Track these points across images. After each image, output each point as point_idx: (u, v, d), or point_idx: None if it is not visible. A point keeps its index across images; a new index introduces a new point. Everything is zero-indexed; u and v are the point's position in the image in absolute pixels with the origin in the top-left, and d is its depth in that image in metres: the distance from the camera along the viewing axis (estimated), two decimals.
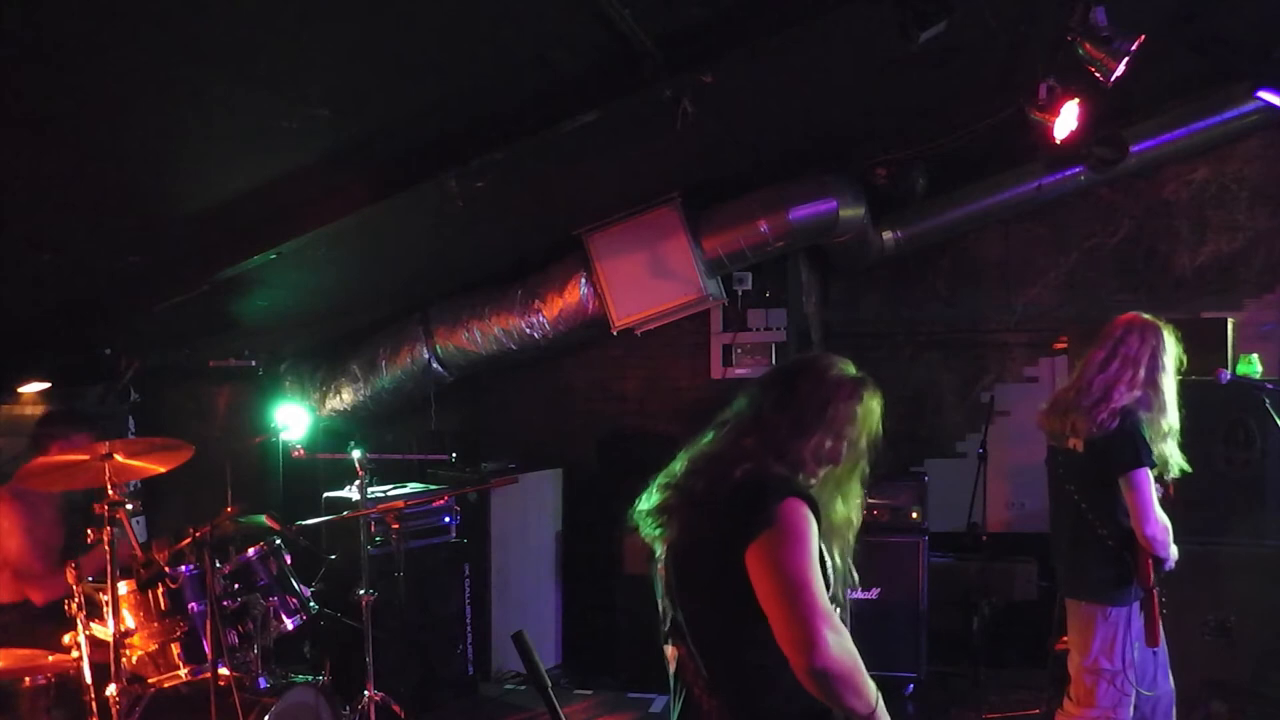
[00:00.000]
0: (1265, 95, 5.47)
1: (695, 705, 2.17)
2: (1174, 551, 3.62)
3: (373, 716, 4.65)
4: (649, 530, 2.27)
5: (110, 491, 3.61)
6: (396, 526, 4.87)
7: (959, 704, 5.51)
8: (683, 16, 3.74)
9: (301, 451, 5.46)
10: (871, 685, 2.00)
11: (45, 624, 3.97)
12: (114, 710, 3.50)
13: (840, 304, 7.14)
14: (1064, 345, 6.27)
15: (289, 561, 4.30)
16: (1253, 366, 5.00)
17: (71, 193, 3.69)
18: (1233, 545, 4.75)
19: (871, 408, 2.26)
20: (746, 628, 2.04)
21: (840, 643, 1.95)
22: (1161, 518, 3.54)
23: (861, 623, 5.32)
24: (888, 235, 6.43)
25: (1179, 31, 5.04)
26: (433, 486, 5.93)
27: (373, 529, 5.09)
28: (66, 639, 3.69)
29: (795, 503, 2.06)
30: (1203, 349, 4.28)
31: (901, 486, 5.72)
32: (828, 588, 2.12)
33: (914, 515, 5.71)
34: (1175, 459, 3.67)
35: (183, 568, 3.85)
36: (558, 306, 5.94)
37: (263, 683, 3.93)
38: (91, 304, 4.70)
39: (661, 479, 2.28)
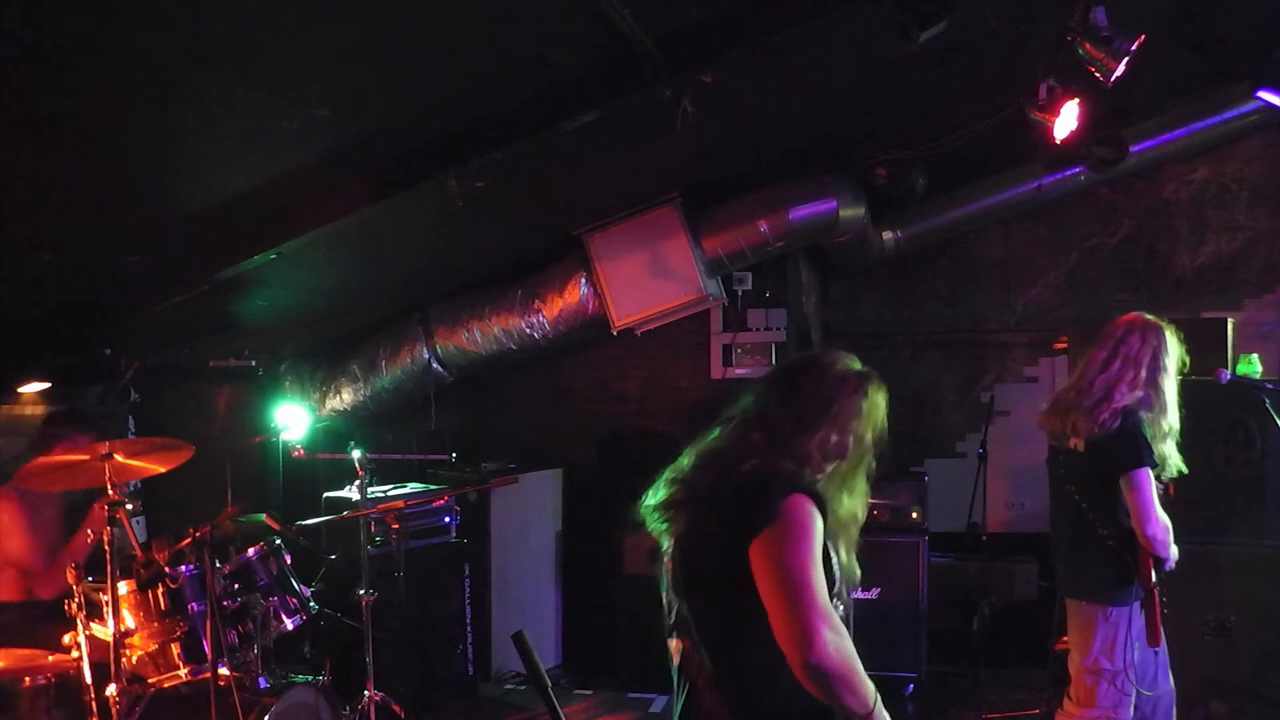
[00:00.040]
0: (1265, 95, 5.47)
1: (698, 699, 2.18)
2: (1174, 552, 3.62)
3: (373, 716, 4.65)
4: (656, 525, 2.29)
5: (110, 491, 3.61)
6: (396, 526, 4.87)
7: (959, 704, 5.52)
8: (683, 16, 3.74)
9: (301, 451, 5.46)
10: (869, 686, 2.00)
11: (45, 624, 3.97)
12: (114, 710, 3.50)
13: (840, 304, 7.14)
14: (1064, 345, 6.28)
15: (289, 561, 4.30)
16: (1253, 366, 5.00)
17: (71, 193, 3.69)
18: (1233, 545, 4.75)
19: (876, 402, 2.27)
20: (750, 624, 2.05)
21: (837, 641, 1.96)
22: (1162, 518, 3.54)
23: (861, 623, 5.37)
24: (888, 235, 6.43)
25: (1179, 31, 5.04)
26: (433, 486, 5.93)
27: (373, 529, 5.09)
28: (66, 639, 3.68)
29: (800, 499, 2.07)
30: (1203, 349, 4.28)
31: (901, 486, 5.72)
32: (832, 584, 2.13)
33: (914, 515, 5.72)
34: (1174, 460, 3.68)
35: (183, 568, 3.85)
36: (558, 306, 5.94)
37: (263, 683, 3.93)
38: (91, 304, 4.70)
39: (668, 474, 2.30)
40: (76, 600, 3.59)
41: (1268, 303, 6.27)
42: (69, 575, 3.60)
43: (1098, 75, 3.95)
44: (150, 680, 3.82)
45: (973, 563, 5.91)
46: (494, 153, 4.13)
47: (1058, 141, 4.57)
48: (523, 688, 5.77)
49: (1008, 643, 5.83)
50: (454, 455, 5.85)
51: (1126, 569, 3.62)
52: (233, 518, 4.07)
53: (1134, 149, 5.63)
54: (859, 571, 2.27)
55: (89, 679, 3.57)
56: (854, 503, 2.25)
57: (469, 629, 5.81)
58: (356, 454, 5.02)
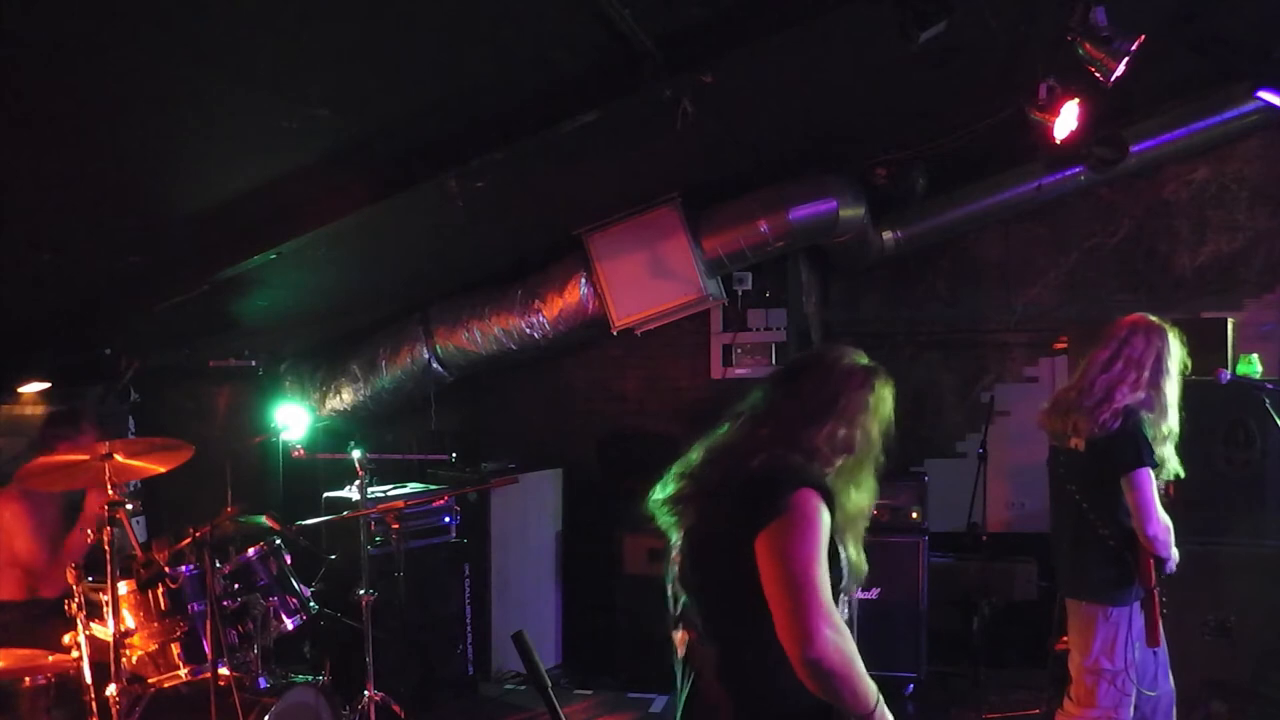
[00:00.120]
0: (1265, 95, 5.47)
1: (703, 692, 2.19)
2: (1175, 552, 3.62)
3: (373, 716, 4.65)
4: (664, 519, 2.30)
5: (110, 491, 3.61)
6: (396, 526, 4.87)
7: (959, 704, 5.52)
8: (683, 16, 3.74)
9: (301, 451, 5.46)
10: (871, 686, 2.00)
11: (45, 624, 3.97)
12: (114, 710, 3.50)
13: (840, 304, 7.14)
14: (1064, 345, 6.27)
15: (289, 561, 4.30)
16: (1253, 366, 5.00)
17: (71, 193, 3.69)
18: (1233, 545, 4.75)
19: (884, 396, 2.29)
20: (756, 619, 2.05)
21: (838, 639, 1.96)
22: (1163, 518, 3.54)
23: (862, 623, 5.38)
24: (888, 235, 6.43)
25: (1179, 31, 5.04)
26: (433, 486, 5.93)
27: (373, 529, 5.10)
28: (66, 639, 3.68)
29: (808, 493, 2.08)
30: (1203, 349, 4.28)
31: (901, 486, 5.72)
32: (839, 581, 2.13)
33: (914, 515, 5.72)
34: (1172, 464, 3.67)
35: (183, 568, 3.85)
36: (558, 306, 5.94)
37: (263, 683, 3.93)
38: (91, 304, 4.70)
39: (678, 468, 2.31)
40: (76, 600, 3.59)
41: (1268, 303, 6.27)
42: (69, 575, 3.60)
43: (1098, 75, 3.95)
44: (150, 680, 3.82)
45: (973, 563, 5.91)
46: (494, 153, 4.13)
47: (1058, 141, 4.57)
48: (523, 688, 5.77)
49: (1008, 643, 5.83)
50: (454, 455, 5.85)
51: (1127, 569, 3.62)
52: (233, 518, 4.08)
53: (1134, 149, 5.63)
54: (866, 567, 2.28)
55: (89, 679, 3.57)
56: (862, 497, 2.26)
57: (469, 629, 5.81)
58: (356, 454, 5.02)
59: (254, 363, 6.10)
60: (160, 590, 3.79)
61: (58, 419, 4.37)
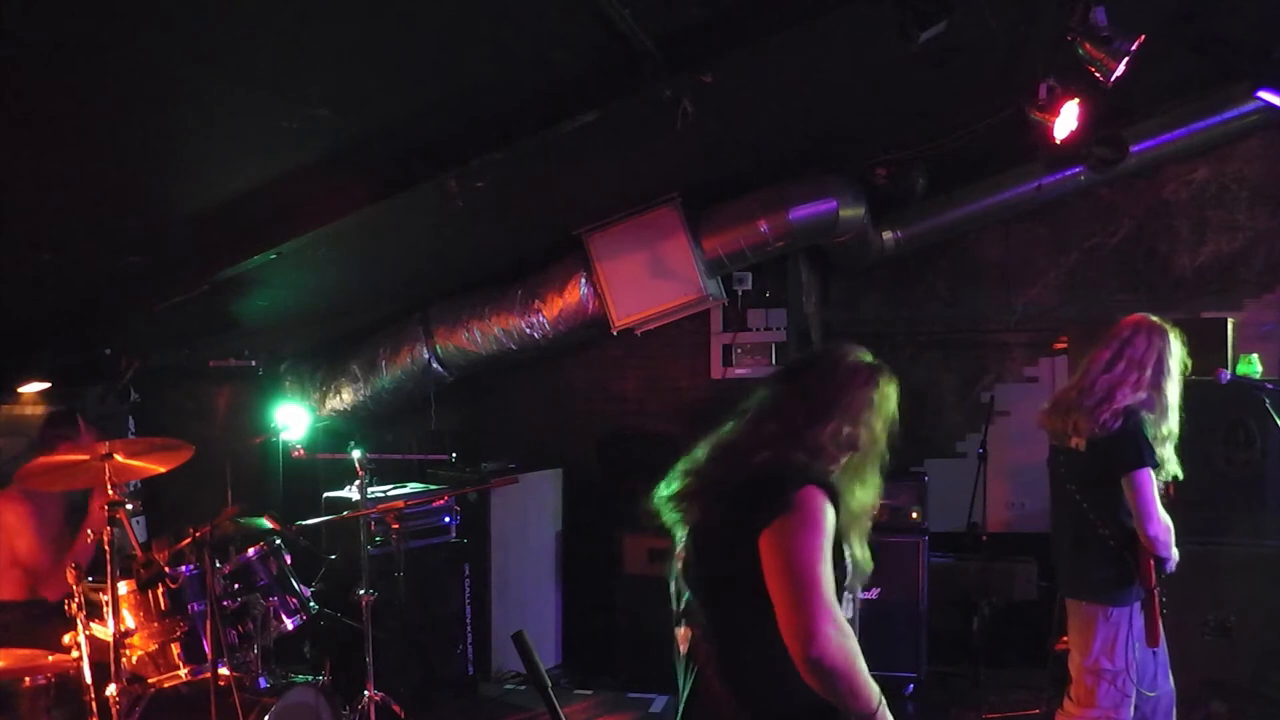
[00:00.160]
0: (1265, 95, 5.47)
1: (705, 689, 2.19)
2: (1175, 552, 3.62)
3: (373, 716, 4.65)
4: (669, 515, 2.30)
5: (110, 491, 3.61)
6: (396, 526, 4.87)
7: (959, 704, 5.52)
8: (683, 16, 3.74)
9: (301, 451, 5.46)
10: (873, 687, 1.99)
11: (45, 624, 3.97)
12: (114, 710, 3.50)
13: (840, 304, 7.14)
14: (1064, 345, 6.28)
15: (289, 561, 4.30)
16: (1253, 366, 5.00)
17: (71, 193, 3.69)
18: (1233, 545, 4.75)
19: (888, 394, 2.29)
20: (760, 617, 2.05)
21: (840, 638, 1.96)
22: (1164, 518, 3.54)
23: (862, 623, 5.37)
24: (888, 235, 6.43)
25: (1179, 31, 5.04)
26: (433, 486, 5.93)
27: (373, 529, 5.10)
28: (66, 639, 3.68)
29: (813, 491, 2.08)
30: (1203, 349, 4.28)
31: (901, 486, 5.72)
32: (844, 578, 2.14)
33: (914, 515, 5.71)
34: (1171, 465, 3.67)
35: (183, 568, 3.85)
36: (558, 306, 5.94)
37: (263, 683, 3.93)
38: (91, 304, 4.70)
39: (683, 465, 2.31)
40: (77, 600, 3.59)
41: (1268, 303, 6.27)
42: (69, 575, 3.60)
43: (1098, 75, 3.95)
44: (150, 680, 3.82)
45: (973, 563, 5.91)
46: (494, 153, 4.13)
47: (1058, 141, 4.57)
48: (523, 688, 5.77)
49: (1008, 643, 5.83)
50: (454, 455, 5.85)
51: (1127, 569, 3.62)
52: (233, 518, 4.07)
53: (1134, 149, 5.63)
54: (872, 565, 2.28)
55: (89, 679, 3.57)
56: (867, 495, 2.26)
57: (469, 629, 5.81)
58: (356, 454, 5.02)
59: (254, 363, 6.10)
60: (160, 590, 3.79)
61: (57, 419, 4.38)
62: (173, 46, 2.96)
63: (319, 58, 3.30)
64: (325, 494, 5.61)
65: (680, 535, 2.30)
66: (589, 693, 5.76)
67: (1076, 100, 4.41)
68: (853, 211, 5.71)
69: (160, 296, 4.62)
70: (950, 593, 5.82)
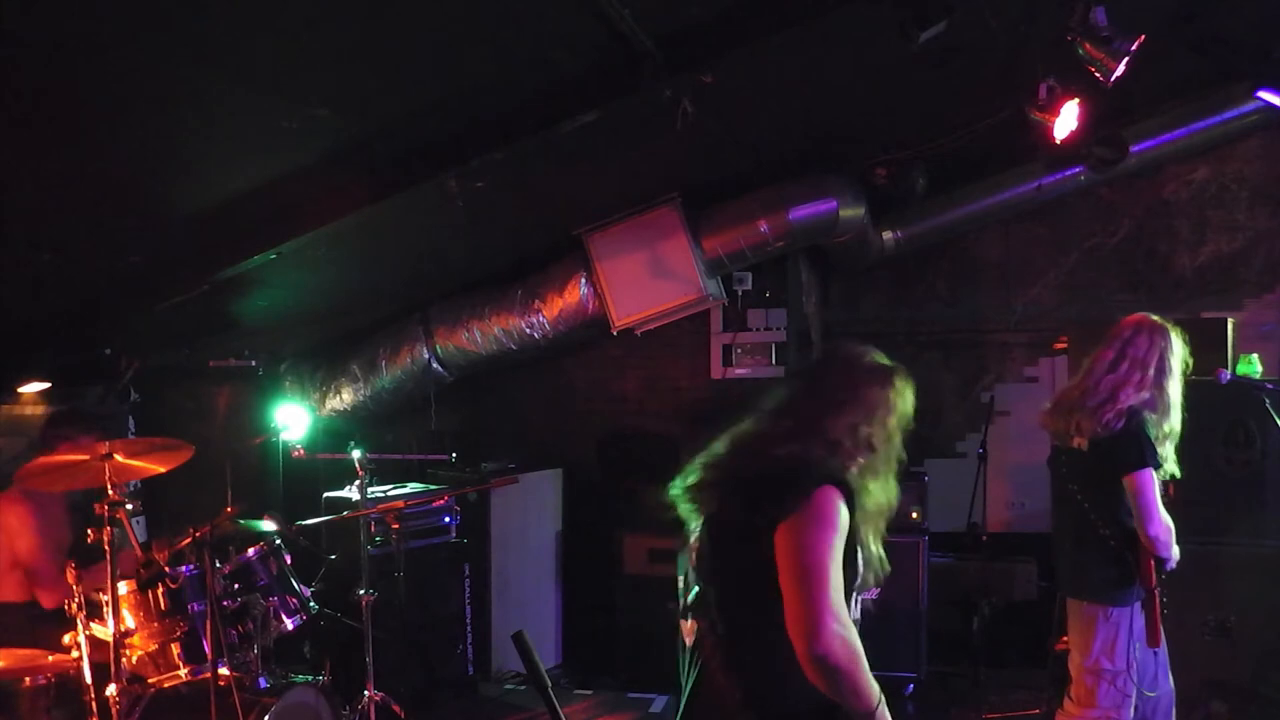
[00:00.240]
0: (1265, 95, 5.47)
1: (709, 681, 2.20)
2: (1176, 552, 3.62)
3: (373, 716, 4.65)
4: (684, 507, 2.32)
5: (110, 491, 3.61)
6: (396, 526, 4.87)
7: (959, 704, 5.52)
8: (683, 16, 3.74)
9: (301, 451, 5.46)
10: (874, 686, 2.01)
11: (46, 624, 3.97)
12: (114, 710, 3.50)
13: (840, 304, 7.14)
14: (1064, 345, 6.28)
15: (289, 561, 4.30)
16: (1253, 366, 5.00)
17: (71, 193, 3.69)
18: (1233, 545, 4.75)
19: (904, 394, 2.32)
20: (769, 610, 2.06)
21: (844, 636, 1.97)
22: (1165, 518, 3.54)
23: (861, 622, 5.36)
24: (888, 235, 6.43)
25: (1179, 31, 5.03)
26: (433, 486, 5.93)
27: (373, 529, 5.09)
28: (66, 639, 3.68)
29: (830, 490, 2.10)
30: (1203, 349, 4.28)
31: (901, 486, 5.68)
32: (854, 578, 2.15)
33: (914, 515, 5.71)
34: (1170, 464, 3.67)
35: (183, 568, 3.85)
36: (558, 306, 5.94)
37: (263, 683, 3.93)
38: (91, 304, 4.70)
39: (702, 458, 2.34)
40: (76, 600, 3.59)
41: (1268, 303, 6.27)
42: (69, 575, 3.59)
43: (1098, 75, 3.95)
44: (150, 680, 3.82)
45: (973, 563, 5.91)
46: (494, 153, 4.13)
47: (1058, 141, 4.57)
48: (523, 688, 5.77)
49: (1008, 643, 5.82)
50: (454, 455, 5.85)
51: (1128, 569, 3.62)
52: (233, 518, 4.07)
53: (1134, 149, 5.62)
54: (889, 566, 2.30)
55: (89, 679, 3.57)
56: (884, 495, 2.29)
57: (469, 629, 5.81)
58: (356, 454, 5.02)
59: (254, 363, 6.10)
60: (160, 590, 3.79)
61: (58, 419, 4.37)
62: (173, 46, 2.96)
63: (319, 58, 3.30)
64: (325, 494, 5.61)
65: (694, 527, 2.31)
66: (589, 693, 5.76)
67: (1076, 100, 4.41)
68: (853, 211, 5.71)
69: (160, 296, 4.62)
70: (950, 593, 5.82)
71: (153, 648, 3.81)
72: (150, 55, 2.98)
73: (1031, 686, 5.26)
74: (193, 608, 3.83)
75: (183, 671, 3.80)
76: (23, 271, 4.16)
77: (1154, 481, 3.54)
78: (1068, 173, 6.00)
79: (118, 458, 3.66)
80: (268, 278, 4.93)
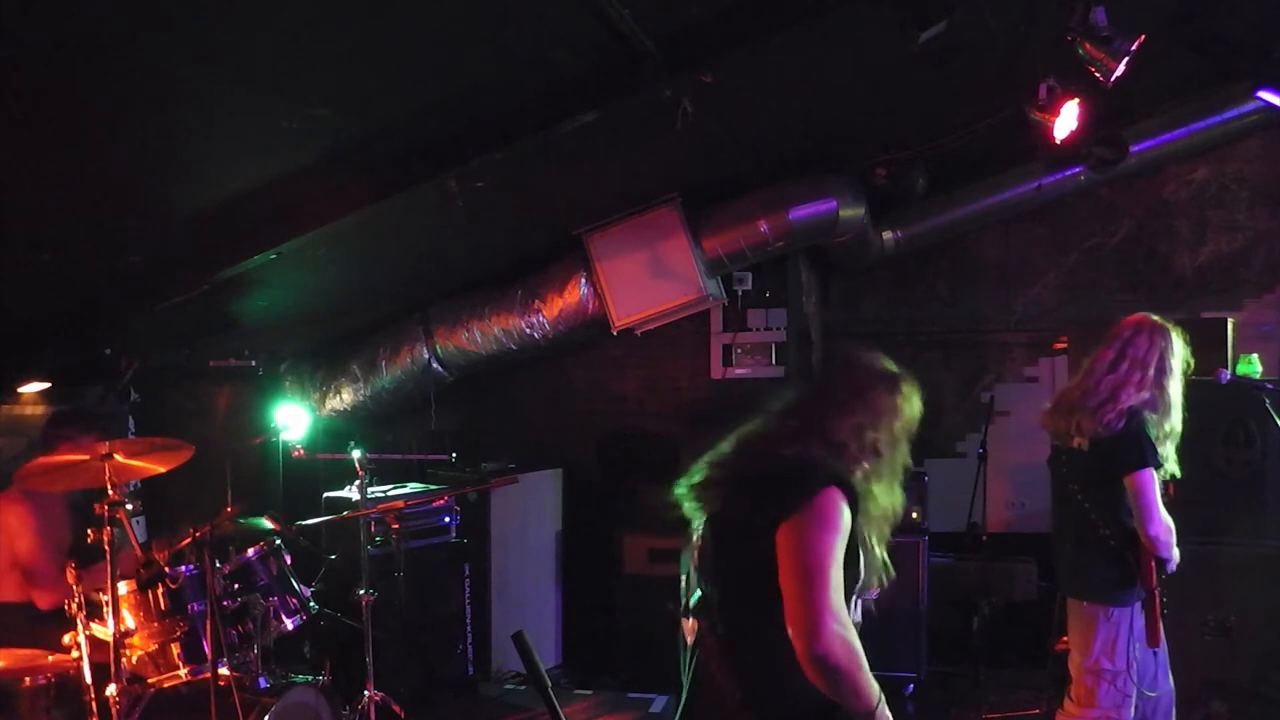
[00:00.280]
0: (1265, 95, 5.47)
1: (710, 680, 2.20)
2: (1176, 553, 3.62)
3: (373, 716, 4.65)
4: (689, 505, 2.33)
5: (110, 491, 3.61)
6: (396, 526, 4.87)
7: (959, 704, 5.52)
8: (683, 16, 3.74)
9: (301, 451, 5.46)
10: (874, 686, 2.01)
11: (46, 624, 3.97)
12: (114, 710, 3.50)
13: (840, 304, 7.14)
14: (1064, 345, 6.27)
15: (289, 561, 4.30)
16: (1253, 366, 5.00)
17: (71, 193, 3.69)
18: (1233, 545, 4.75)
19: (912, 400, 2.35)
20: (770, 609, 2.06)
21: (844, 636, 1.97)
22: (1165, 518, 3.54)
23: (862, 624, 5.36)
24: (888, 235, 6.43)
25: (1179, 31, 5.03)
26: (433, 486, 5.93)
27: (373, 529, 5.09)
28: (66, 639, 3.68)
29: (834, 492, 2.10)
30: (1203, 349, 4.28)
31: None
32: (856, 580, 2.15)
33: (914, 515, 5.70)
34: (1171, 464, 3.67)
35: (183, 568, 3.85)
36: (558, 306, 5.94)
37: (263, 683, 3.92)
38: (91, 304, 4.70)
39: (708, 458, 2.35)
40: (76, 600, 3.59)
41: (1268, 303, 6.27)
42: (69, 575, 3.59)
43: (1098, 75, 3.95)
44: (150, 680, 3.82)
45: (973, 563, 5.90)
46: (494, 153, 4.13)
47: (1058, 141, 4.57)
48: (523, 688, 5.77)
49: (1008, 643, 5.82)
50: (454, 455, 5.85)
51: (1128, 569, 3.62)
52: (233, 518, 4.07)
53: (1134, 149, 5.62)
54: (893, 572, 2.30)
55: (89, 679, 3.57)
56: (888, 501, 2.29)
57: (469, 629, 5.81)
58: (356, 454, 5.02)
59: (254, 363, 6.10)
60: (160, 590, 3.78)
61: (59, 419, 4.37)
62: (173, 46, 2.96)
63: (319, 58, 3.30)
64: (325, 494, 5.61)
65: (698, 525, 2.32)
66: (589, 693, 5.76)
67: (1076, 100, 4.41)
68: (853, 211, 5.71)
69: (160, 296, 4.62)
70: (950, 593, 5.82)
71: (153, 648, 3.81)
72: (150, 55, 2.98)
73: (1031, 686, 5.26)
74: (193, 608, 3.83)
75: (183, 671, 3.80)
76: (23, 271, 4.15)
77: (1154, 481, 3.54)
78: (1068, 173, 6.00)
79: (118, 458, 3.67)
80: (268, 278, 4.93)
